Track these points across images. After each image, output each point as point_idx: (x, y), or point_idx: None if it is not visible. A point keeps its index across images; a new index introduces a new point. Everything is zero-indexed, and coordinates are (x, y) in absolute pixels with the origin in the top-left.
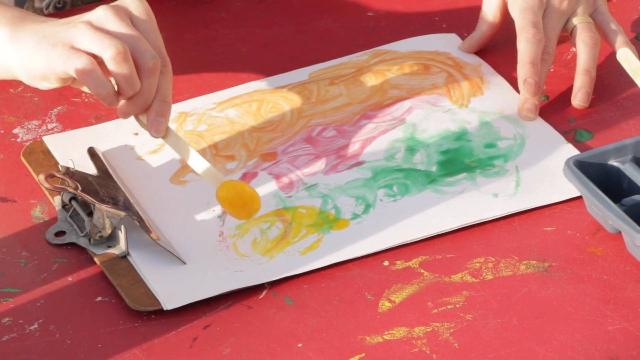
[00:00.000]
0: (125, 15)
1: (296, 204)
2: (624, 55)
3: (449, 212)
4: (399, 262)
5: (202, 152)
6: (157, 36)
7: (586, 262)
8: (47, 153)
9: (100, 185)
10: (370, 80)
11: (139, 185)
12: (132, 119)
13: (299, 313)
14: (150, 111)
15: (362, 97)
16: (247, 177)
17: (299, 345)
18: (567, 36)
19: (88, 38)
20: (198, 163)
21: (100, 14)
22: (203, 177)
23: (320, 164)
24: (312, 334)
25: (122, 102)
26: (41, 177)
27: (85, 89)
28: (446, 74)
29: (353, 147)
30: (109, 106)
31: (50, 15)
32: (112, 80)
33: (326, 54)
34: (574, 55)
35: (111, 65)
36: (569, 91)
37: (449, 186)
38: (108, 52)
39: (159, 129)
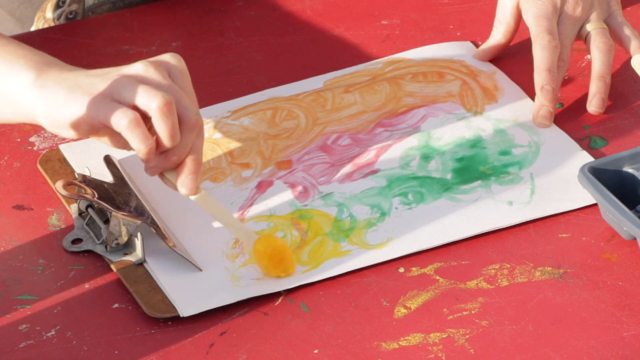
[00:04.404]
0: (165, 70)
1: (312, 212)
2: (639, 62)
3: (464, 220)
4: (414, 268)
5: (218, 160)
6: (194, 94)
7: (601, 268)
8: (64, 161)
9: (116, 193)
10: (385, 88)
11: (155, 193)
12: None
13: (314, 319)
14: (183, 168)
15: (377, 105)
16: (262, 185)
17: (315, 351)
18: (581, 43)
19: (132, 90)
20: (230, 221)
21: (140, 68)
22: (235, 234)
23: (336, 173)
24: (328, 340)
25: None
26: (58, 184)
27: (102, 141)
28: (461, 81)
29: (368, 156)
30: (145, 161)
31: (61, 25)
32: None
33: (340, 63)
34: (589, 63)
35: (158, 116)
36: (583, 98)
37: (464, 194)
38: (155, 103)
39: (191, 187)
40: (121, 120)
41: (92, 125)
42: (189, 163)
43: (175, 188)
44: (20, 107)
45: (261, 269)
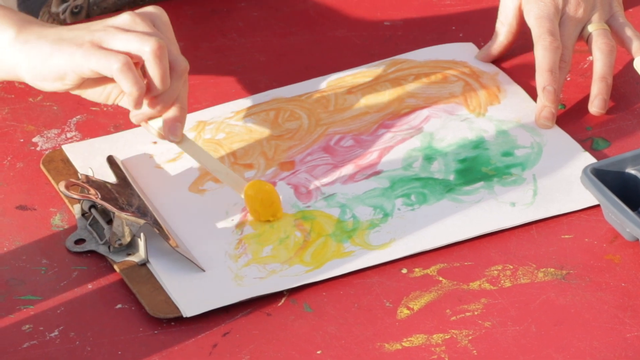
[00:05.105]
0: (150, 21)
1: (315, 213)
2: None
3: (467, 221)
4: (417, 269)
5: (221, 160)
6: (177, 46)
7: (604, 269)
8: (67, 161)
9: (119, 193)
10: (388, 89)
11: (157, 194)
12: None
13: (317, 320)
14: (169, 115)
15: (380, 106)
16: None
17: (318, 352)
18: (583, 45)
19: (123, 37)
20: (216, 167)
21: (127, 19)
22: (222, 180)
23: (338, 174)
24: (331, 341)
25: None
26: (61, 185)
27: (84, 94)
28: (463, 82)
29: (371, 157)
30: (133, 107)
31: (65, 22)
32: None
33: (342, 63)
34: (591, 64)
35: (151, 59)
36: (585, 100)
37: (467, 195)
38: (149, 46)
39: (176, 133)
40: (114, 64)
41: (80, 75)
42: (175, 110)
43: (160, 136)
44: (2, 63)
45: (252, 215)
